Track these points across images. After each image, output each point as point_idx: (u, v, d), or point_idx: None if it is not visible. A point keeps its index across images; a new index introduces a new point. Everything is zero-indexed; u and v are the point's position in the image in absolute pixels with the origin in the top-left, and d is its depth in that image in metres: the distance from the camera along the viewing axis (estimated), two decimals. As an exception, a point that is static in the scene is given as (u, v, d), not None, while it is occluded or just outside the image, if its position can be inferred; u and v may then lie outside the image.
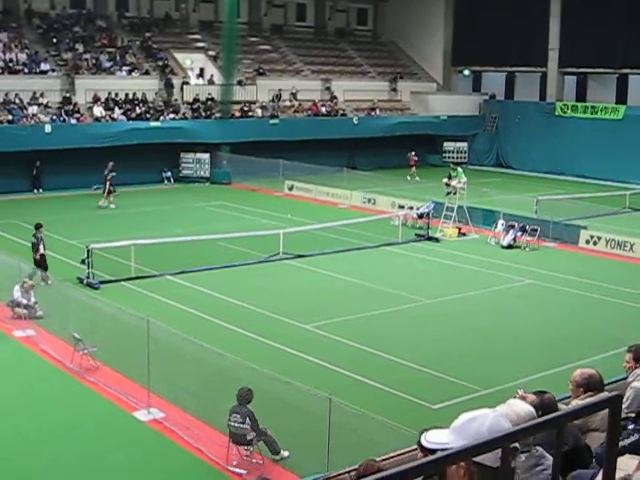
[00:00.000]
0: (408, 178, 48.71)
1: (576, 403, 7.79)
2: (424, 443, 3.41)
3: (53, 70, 47.43)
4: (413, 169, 50.50)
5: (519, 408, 5.11)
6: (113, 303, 21.39)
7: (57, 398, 17.78)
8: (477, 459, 3.25)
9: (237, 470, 14.53)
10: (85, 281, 25.85)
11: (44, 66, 47.08)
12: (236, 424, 14.61)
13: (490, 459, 3.26)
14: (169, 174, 47.75)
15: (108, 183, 40.14)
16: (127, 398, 17.36)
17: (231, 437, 14.79)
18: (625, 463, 3.67)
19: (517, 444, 3.44)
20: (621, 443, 4.67)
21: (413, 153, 51.04)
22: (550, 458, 5.10)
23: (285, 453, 14.86)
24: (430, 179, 45.28)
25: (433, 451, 3.26)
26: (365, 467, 7.73)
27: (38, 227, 26.73)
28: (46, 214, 36.80)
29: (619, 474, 3.23)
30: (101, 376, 18.63)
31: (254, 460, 14.84)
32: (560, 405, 7.29)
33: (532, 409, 5.27)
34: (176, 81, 50.14)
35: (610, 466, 2.57)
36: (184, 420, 16.31)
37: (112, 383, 18.15)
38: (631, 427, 5.81)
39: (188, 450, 15.24)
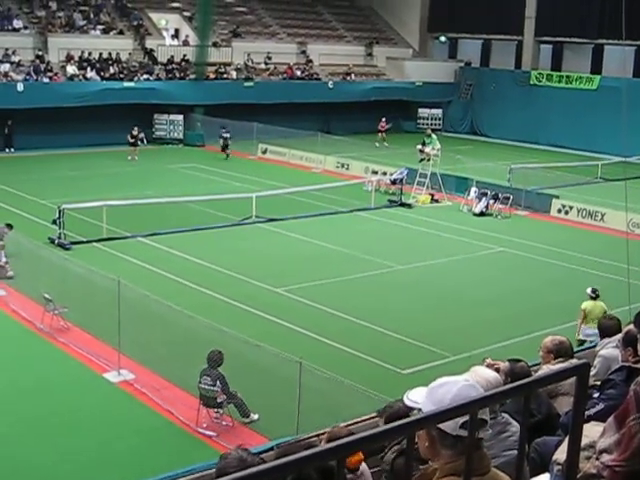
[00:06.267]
0: (376, 144, 48.72)
1: (547, 368, 7.89)
2: (405, 401, 3.53)
3: (26, 28, 46.72)
4: (382, 135, 50.54)
5: (486, 374, 5.16)
6: (84, 264, 21.30)
7: (27, 358, 17.71)
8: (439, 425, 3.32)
9: (207, 432, 14.60)
10: (56, 241, 25.74)
11: (17, 23, 46.31)
12: (206, 386, 14.65)
13: (449, 426, 3.32)
14: (142, 135, 47.33)
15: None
16: (97, 359, 17.35)
17: (201, 399, 14.85)
18: (590, 430, 3.71)
19: (486, 417, 3.50)
20: (587, 412, 4.73)
21: (384, 119, 50.93)
22: (516, 425, 5.16)
23: (255, 416, 14.94)
24: (404, 145, 45.27)
25: (410, 408, 3.46)
26: (333, 432, 7.76)
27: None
28: (18, 173, 36.65)
29: (584, 441, 3.27)
30: (71, 337, 18.60)
31: (224, 423, 14.92)
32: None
33: (497, 375, 5.33)
34: (150, 42, 49.63)
35: (576, 433, 2.60)
36: (154, 382, 16.34)
37: (82, 344, 18.13)
38: (596, 395, 5.88)
39: (158, 412, 15.28)
